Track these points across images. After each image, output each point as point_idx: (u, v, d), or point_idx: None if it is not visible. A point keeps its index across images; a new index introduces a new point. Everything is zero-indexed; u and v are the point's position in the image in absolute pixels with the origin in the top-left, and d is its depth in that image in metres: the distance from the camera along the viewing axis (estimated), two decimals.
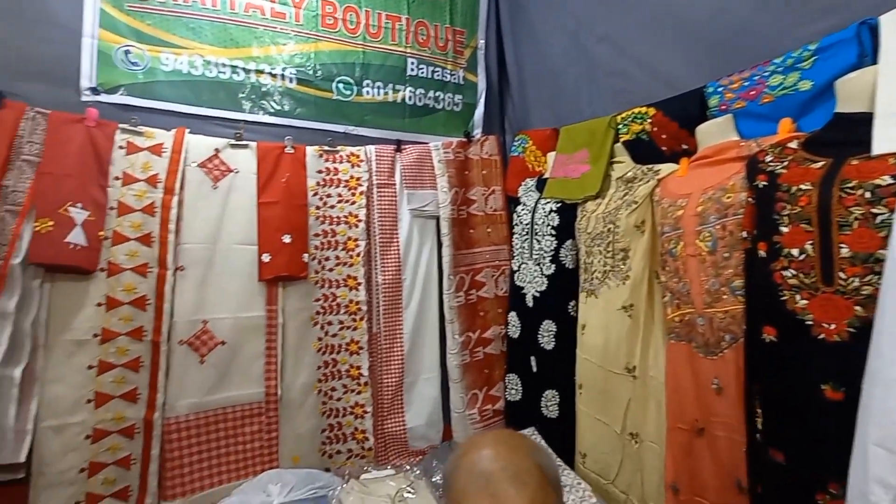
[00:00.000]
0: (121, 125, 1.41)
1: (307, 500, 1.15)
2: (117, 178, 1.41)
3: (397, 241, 1.80)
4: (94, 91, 1.43)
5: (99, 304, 1.36)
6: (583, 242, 1.51)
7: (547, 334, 1.66)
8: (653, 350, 1.32)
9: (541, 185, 1.75)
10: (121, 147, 1.42)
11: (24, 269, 1.24)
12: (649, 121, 1.39)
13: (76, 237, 1.29)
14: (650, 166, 1.36)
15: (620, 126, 1.48)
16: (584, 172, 1.58)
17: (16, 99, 1.31)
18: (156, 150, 1.45)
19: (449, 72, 1.98)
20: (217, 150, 1.54)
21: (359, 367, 1.70)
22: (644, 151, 1.41)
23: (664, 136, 1.36)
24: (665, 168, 1.31)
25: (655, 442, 1.30)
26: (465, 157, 1.92)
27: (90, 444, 1.34)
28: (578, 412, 1.53)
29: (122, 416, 1.38)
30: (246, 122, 1.61)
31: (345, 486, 1.28)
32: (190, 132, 1.50)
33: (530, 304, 1.71)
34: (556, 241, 1.62)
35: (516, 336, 1.80)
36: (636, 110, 1.43)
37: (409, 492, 1.28)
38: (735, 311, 1.02)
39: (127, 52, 1.47)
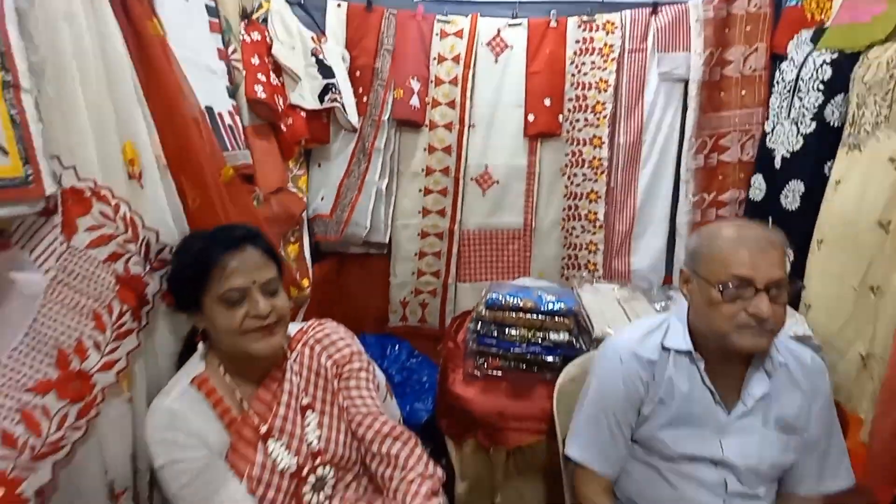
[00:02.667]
0: (437, 16, 1.95)
1: (557, 288, 1.64)
2: (434, 59, 1.99)
3: (642, 105, 1.98)
4: None
5: (424, 150, 2.05)
6: (855, 94, 1.44)
7: (791, 194, 1.68)
8: None
9: (817, 36, 1.63)
10: (436, 34, 1.97)
11: (389, 122, 1.97)
12: None
13: (414, 101, 1.95)
14: None
15: None
16: (875, 15, 1.43)
17: (378, 4, 1.96)
18: (458, 34, 1.96)
19: None
20: (498, 30, 1.97)
21: (596, 213, 2.07)
22: None
23: None
24: None
25: None
26: (727, 13, 1.87)
27: (419, 238, 2.13)
28: (811, 269, 1.59)
29: (437, 225, 2.12)
30: (520, 2, 1.97)
31: (580, 288, 1.74)
32: (480, 16, 1.95)
33: (778, 164, 1.73)
34: (822, 97, 1.56)
35: (758, 199, 1.85)
36: None
37: (633, 298, 1.66)
38: None
39: None
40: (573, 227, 2.11)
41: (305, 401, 1.00)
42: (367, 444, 1.00)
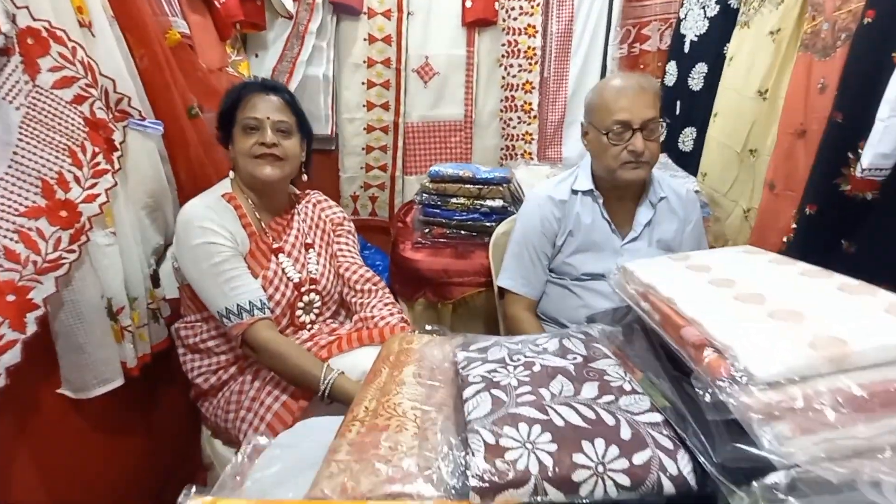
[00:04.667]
0: None
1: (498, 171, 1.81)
2: None
3: None
4: None
5: (364, 39, 2.07)
6: None
7: (698, 76, 1.89)
8: (788, 73, 1.51)
9: None
10: None
11: (325, 6, 1.96)
12: None
13: None
14: None
15: None
16: None
17: None
18: None
19: None
20: None
21: (531, 104, 2.21)
22: None
23: None
24: None
25: (769, 155, 1.59)
26: None
27: (365, 133, 2.21)
28: (708, 139, 1.85)
29: (381, 118, 2.19)
30: None
31: (516, 168, 1.93)
32: None
33: (687, 49, 1.92)
34: None
35: (670, 84, 2.06)
36: None
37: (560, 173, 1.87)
38: (858, 8, 1.18)
39: None
40: (510, 119, 2.26)
41: (308, 240, 1.22)
42: (352, 283, 1.26)
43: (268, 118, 1.10)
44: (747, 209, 1.72)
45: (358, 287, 1.25)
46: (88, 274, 0.90)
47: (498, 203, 1.64)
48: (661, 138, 1.18)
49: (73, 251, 0.86)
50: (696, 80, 1.91)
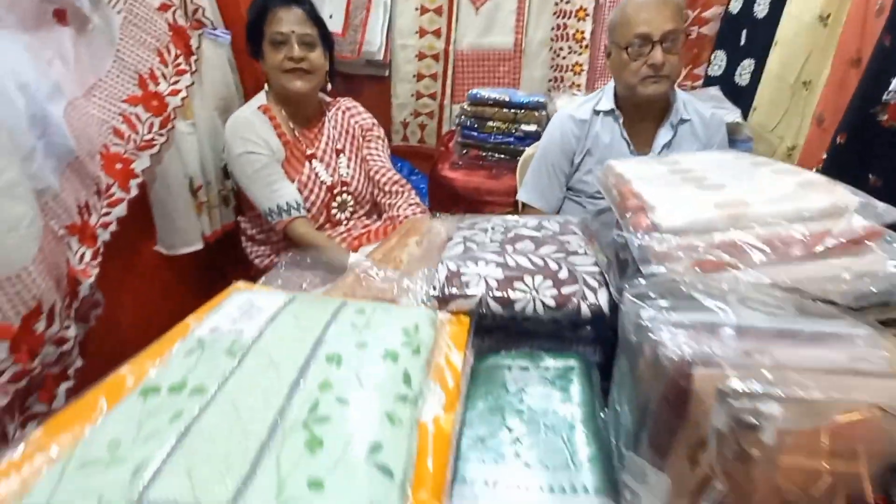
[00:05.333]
0: None
1: (535, 96, 1.86)
2: None
3: None
4: None
5: None
6: None
7: (763, 2, 1.78)
8: None
9: None
10: None
11: None
12: None
13: None
14: None
15: None
16: None
17: None
18: None
19: None
20: None
21: (583, 32, 2.18)
22: None
23: None
24: None
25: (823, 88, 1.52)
26: None
27: (417, 60, 2.30)
28: (765, 72, 1.77)
29: (433, 46, 2.27)
30: None
31: (558, 97, 1.96)
32: None
33: None
34: None
35: (735, 12, 1.95)
36: None
37: None
38: None
39: None
40: (560, 49, 2.25)
41: (339, 145, 1.37)
42: (381, 185, 1.41)
43: (293, 32, 1.17)
44: (792, 146, 1.67)
45: (387, 188, 1.40)
46: (174, 156, 1.13)
47: (532, 128, 1.71)
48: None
49: (162, 135, 1.08)
50: (761, 7, 1.80)
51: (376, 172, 1.41)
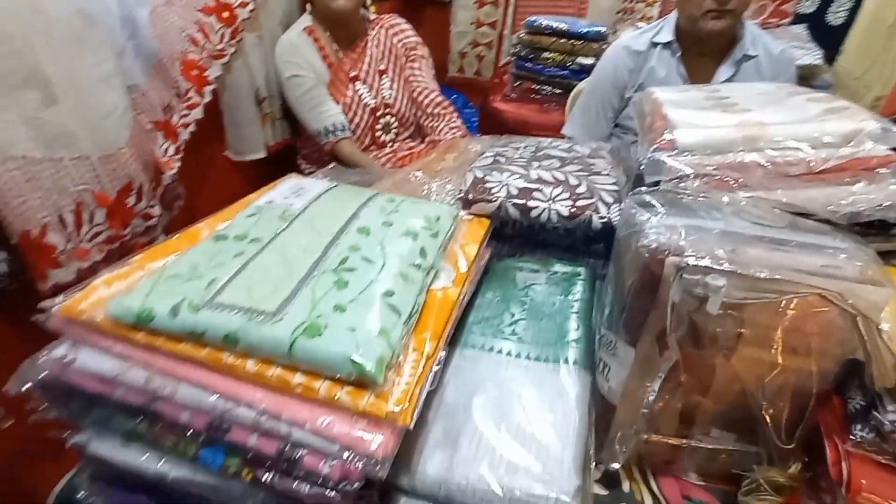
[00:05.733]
0: None
1: (596, 26, 1.78)
2: None
3: None
4: None
5: None
6: None
7: None
8: None
9: None
10: None
11: None
12: None
13: None
14: None
15: None
16: None
17: None
18: None
19: None
20: None
21: None
22: None
23: None
24: None
25: None
26: None
27: (477, 7, 2.24)
28: (861, 12, 1.59)
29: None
30: None
31: (623, 29, 1.86)
32: None
33: None
34: None
35: None
36: None
37: None
38: None
39: None
40: None
41: (382, 66, 1.40)
42: (424, 107, 1.43)
43: None
44: (878, 97, 1.53)
45: (430, 111, 1.42)
46: (242, 66, 1.23)
47: (590, 61, 1.66)
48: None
49: (232, 45, 1.17)
50: None
51: (419, 94, 1.43)
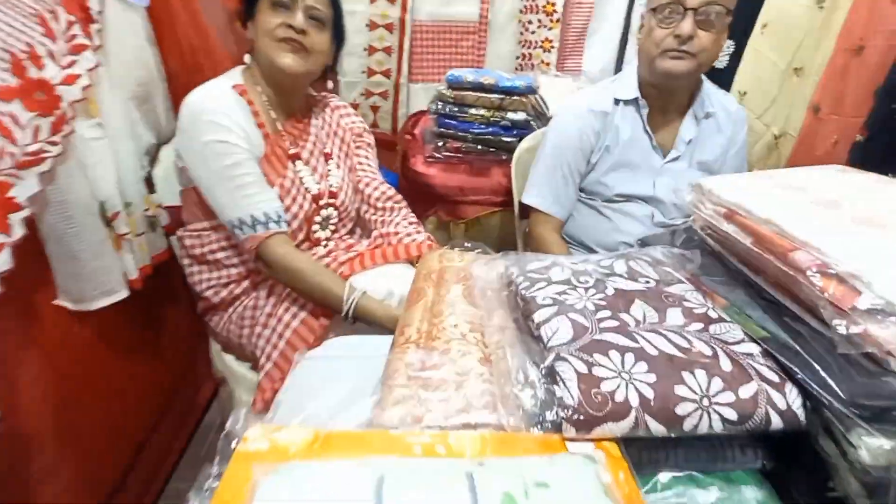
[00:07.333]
0: None
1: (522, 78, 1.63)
2: None
3: None
4: None
5: None
6: None
7: None
8: None
9: None
10: None
11: None
12: None
13: None
14: None
15: None
16: None
17: None
18: None
19: None
20: None
21: (554, 5, 1.98)
22: None
23: None
24: None
25: (817, 75, 1.46)
26: None
27: (368, 30, 1.98)
28: (751, 54, 1.70)
29: (386, 14, 1.95)
30: None
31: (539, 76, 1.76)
32: None
33: None
34: None
35: None
36: None
37: (586, 86, 1.72)
38: None
39: None
40: (529, 22, 2.04)
41: (328, 149, 1.10)
42: (371, 200, 1.15)
43: None
44: (779, 134, 1.62)
45: (379, 205, 1.15)
46: (76, 172, 0.77)
47: (520, 116, 1.50)
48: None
49: (55, 143, 0.72)
50: None
51: (367, 185, 1.15)
